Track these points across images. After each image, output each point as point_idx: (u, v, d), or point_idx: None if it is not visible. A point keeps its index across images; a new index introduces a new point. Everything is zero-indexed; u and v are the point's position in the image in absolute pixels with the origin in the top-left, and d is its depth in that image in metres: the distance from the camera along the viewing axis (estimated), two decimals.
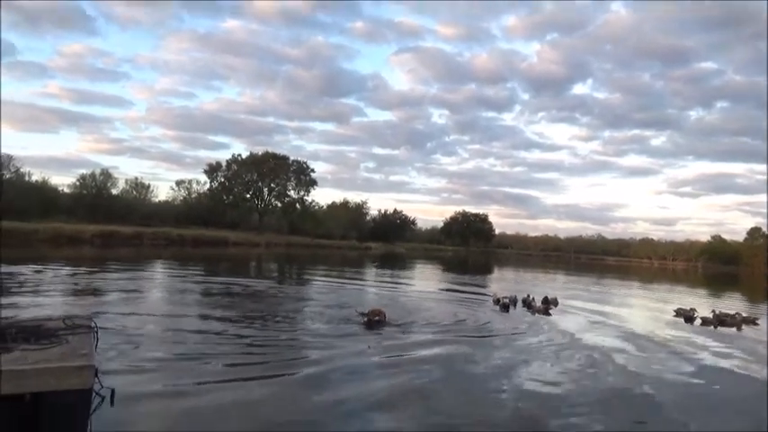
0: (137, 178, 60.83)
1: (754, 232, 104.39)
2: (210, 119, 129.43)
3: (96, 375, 3.10)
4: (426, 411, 4.50)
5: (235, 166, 67.43)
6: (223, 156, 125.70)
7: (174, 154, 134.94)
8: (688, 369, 6.90)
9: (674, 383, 6.08)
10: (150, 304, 9.77)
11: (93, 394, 3.23)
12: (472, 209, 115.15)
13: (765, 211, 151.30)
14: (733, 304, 18.00)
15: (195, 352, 5.90)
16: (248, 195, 67.84)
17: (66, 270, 15.51)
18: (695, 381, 6.32)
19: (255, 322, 8.17)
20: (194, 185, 67.47)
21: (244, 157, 68.48)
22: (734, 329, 11.04)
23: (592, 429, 4.37)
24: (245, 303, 10.41)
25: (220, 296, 11.50)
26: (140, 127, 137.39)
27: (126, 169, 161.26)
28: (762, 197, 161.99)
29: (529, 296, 13.06)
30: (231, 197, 65.75)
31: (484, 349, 7.23)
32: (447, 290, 17.65)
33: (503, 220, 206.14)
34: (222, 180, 66.86)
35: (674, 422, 4.69)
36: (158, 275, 16.59)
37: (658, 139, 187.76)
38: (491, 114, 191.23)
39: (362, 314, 8.47)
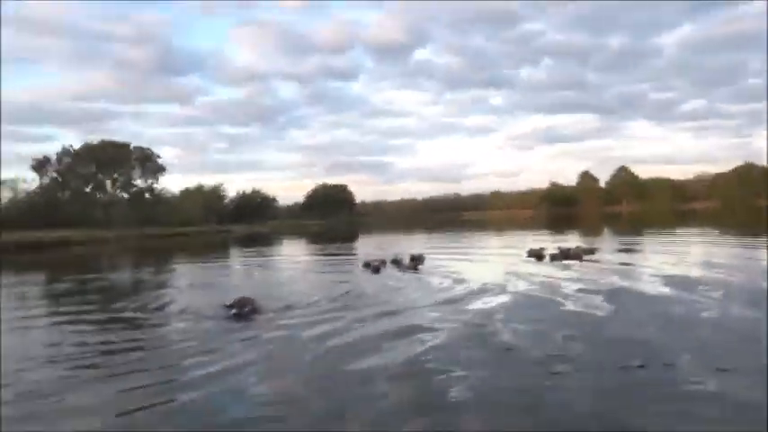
0: None
1: (585, 175, 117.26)
2: (27, 108, 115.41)
3: None
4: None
5: (67, 159, 61.06)
6: (51, 149, 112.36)
7: None
8: (550, 296, 7.54)
9: (532, 314, 6.59)
10: None
11: None
12: (332, 180, 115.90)
13: (592, 156, 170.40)
14: (574, 240, 20.12)
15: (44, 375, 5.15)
16: (88, 190, 61.94)
17: None
18: (554, 307, 6.90)
19: (114, 324, 7.34)
20: (21, 184, 59.92)
21: (77, 147, 62.25)
22: (577, 261, 12.28)
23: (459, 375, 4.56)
24: (102, 303, 9.37)
25: (69, 299, 10.35)
26: None
27: None
28: (587, 143, 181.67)
29: (397, 256, 13.41)
30: (68, 193, 59.60)
31: (361, 317, 6.98)
32: (316, 261, 17.63)
33: (362, 189, 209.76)
34: (55, 176, 60.28)
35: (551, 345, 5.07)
36: None
37: (496, 99, 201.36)
38: (339, 84, 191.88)
39: (229, 306, 7.42)
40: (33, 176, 59.86)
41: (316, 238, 38.09)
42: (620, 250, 15.41)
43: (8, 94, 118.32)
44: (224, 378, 4.58)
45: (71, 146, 62.37)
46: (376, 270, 12.21)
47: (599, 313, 6.54)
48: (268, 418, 3.70)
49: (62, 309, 9.08)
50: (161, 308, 8.47)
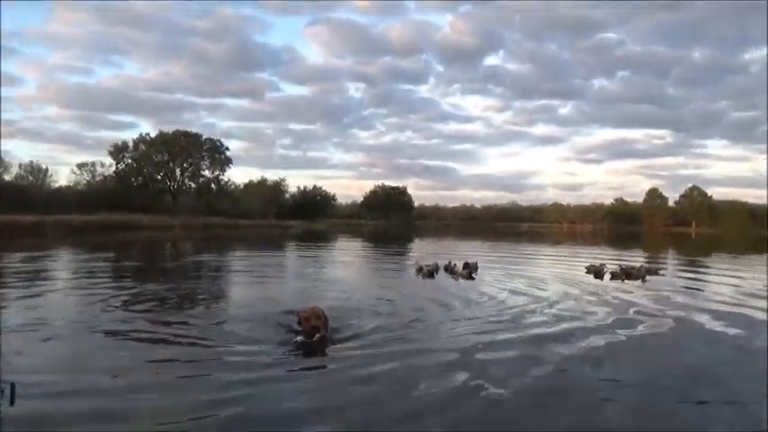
0: (32, 162, 56.40)
1: (652, 193, 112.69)
2: (112, 96, 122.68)
3: None
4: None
5: (143, 147, 63.94)
6: (128, 136, 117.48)
7: (73, 135, 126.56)
8: (601, 315, 7.29)
9: (590, 329, 6.39)
10: (52, 295, 9.07)
11: None
12: (391, 182, 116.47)
13: (662, 173, 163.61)
14: (637, 258, 19.35)
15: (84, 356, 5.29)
16: (159, 177, 64.71)
17: None
18: (605, 324, 6.67)
19: (163, 326, 6.39)
20: (98, 168, 63.33)
21: (152, 136, 65.14)
22: (639, 281, 11.77)
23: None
24: (156, 299, 9.00)
25: (130, 287, 10.86)
26: (33, 107, 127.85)
27: (19, 153, 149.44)
28: (658, 160, 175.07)
29: (450, 262, 13.33)
30: (141, 179, 62.45)
31: (421, 329, 6.50)
32: (371, 265, 17.75)
33: (421, 193, 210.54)
34: (130, 161, 63.27)
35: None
36: (62, 263, 15.48)
37: (565, 108, 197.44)
38: (407, 87, 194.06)
39: (293, 330, 5.76)
40: (111, 162, 63.12)
41: (372, 238, 38.37)
42: (686, 273, 14.69)
43: (101, 82, 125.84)
44: None
45: (147, 134, 65.39)
46: (429, 275, 12.17)
47: (651, 339, 6.27)
48: None
49: (116, 301, 9.40)
50: (220, 309, 8.39)
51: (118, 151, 62.96)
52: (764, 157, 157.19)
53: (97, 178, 62.41)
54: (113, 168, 62.89)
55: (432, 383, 4.38)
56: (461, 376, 4.54)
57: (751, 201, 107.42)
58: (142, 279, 11.21)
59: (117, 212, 45.81)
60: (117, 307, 7.53)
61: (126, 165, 62.97)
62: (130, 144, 64.10)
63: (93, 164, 63.28)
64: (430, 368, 4.80)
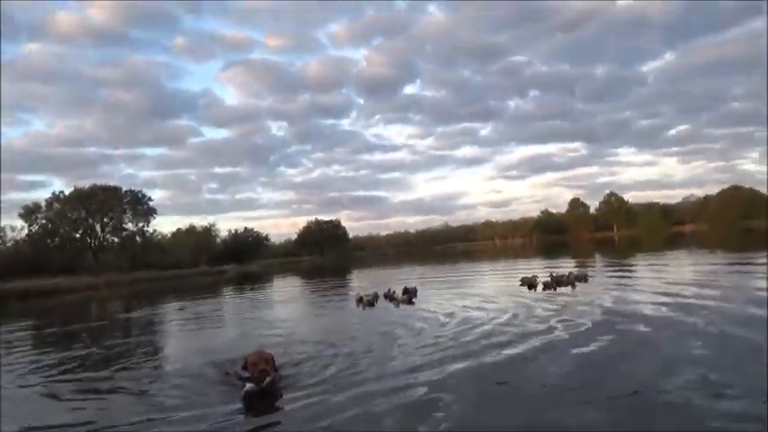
0: None
1: (574, 203, 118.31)
2: (19, 156, 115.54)
3: None
4: None
5: (57, 205, 60.55)
6: (40, 196, 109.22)
7: None
8: (542, 325, 7.48)
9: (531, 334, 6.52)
10: None
11: None
12: (324, 216, 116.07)
13: (581, 183, 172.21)
14: (566, 266, 20.11)
15: None
16: (77, 235, 61.32)
17: None
18: (565, 339, 6.84)
19: (89, 397, 5.84)
20: (9, 233, 59.27)
21: (67, 193, 61.91)
22: (570, 287, 12.23)
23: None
24: (79, 364, 8.17)
25: (50, 353, 10.10)
26: None
27: None
28: (576, 171, 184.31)
29: (390, 290, 13.34)
30: (57, 239, 58.92)
31: (363, 355, 6.69)
32: (311, 301, 17.49)
33: (355, 224, 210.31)
34: (44, 222, 59.66)
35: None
36: None
37: (485, 129, 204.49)
38: (330, 121, 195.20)
39: (241, 378, 5.35)
40: (22, 225, 59.33)
41: (308, 274, 37.88)
42: (612, 275, 15.39)
43: (7, 143, 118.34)
44: None
45: (61, 192, 61.99)
46: (370, 304, 12.12)
47: (591, 346, 6.42)
48: None
49: (37, 370, 8.45)
50: (149, 372, 6.99)
51: (29, 213, 59.26)
52: (670, 159, 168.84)
53: (8, 244, 58.41)
54: (25, 231, 59.16)
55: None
56: (430, 420, 4.17)
57: (662, 201, 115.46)
58: (63, 344, 10.45)
59: (33, 278, 42.82)
60: (34, 378, 6.98)
61: (39, 226, 59.34)
62: (43, 204, 60.64)
63: (3, 228, 59.29)
64: (394, 412, 4.38)
